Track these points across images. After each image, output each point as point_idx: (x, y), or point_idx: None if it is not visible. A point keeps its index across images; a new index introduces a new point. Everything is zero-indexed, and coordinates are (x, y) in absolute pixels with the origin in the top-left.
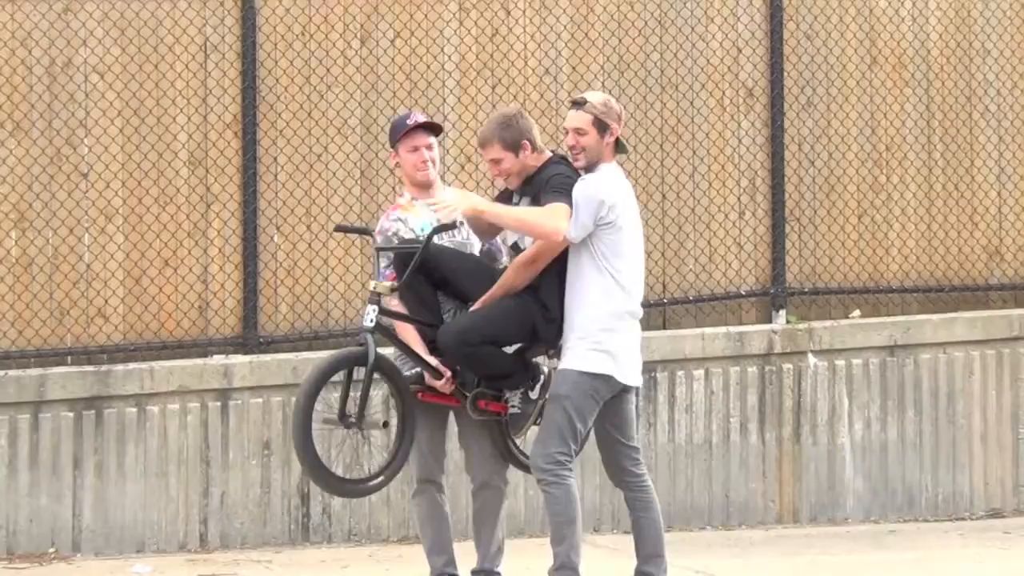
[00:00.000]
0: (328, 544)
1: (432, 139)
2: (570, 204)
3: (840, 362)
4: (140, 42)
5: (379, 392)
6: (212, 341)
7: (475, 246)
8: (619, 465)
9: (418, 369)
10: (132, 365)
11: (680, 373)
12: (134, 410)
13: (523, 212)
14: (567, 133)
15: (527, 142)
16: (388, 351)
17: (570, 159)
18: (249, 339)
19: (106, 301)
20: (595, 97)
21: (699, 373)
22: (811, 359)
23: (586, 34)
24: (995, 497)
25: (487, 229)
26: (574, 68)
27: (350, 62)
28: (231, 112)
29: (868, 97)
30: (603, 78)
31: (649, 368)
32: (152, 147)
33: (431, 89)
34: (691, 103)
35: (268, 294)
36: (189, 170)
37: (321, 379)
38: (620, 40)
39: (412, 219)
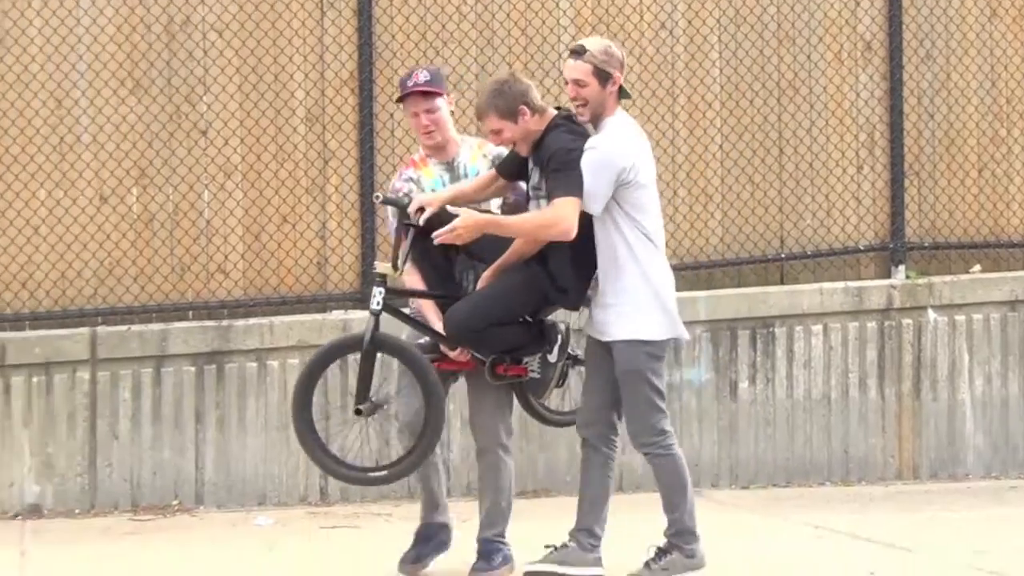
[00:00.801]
0: (450, 497)
1: (435, 101)
2: (577, 186)
3: (960, 317)
4: (257, 0)
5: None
6: (331, 296)
7: (491, 205)
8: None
9: (427, 339)
10: (252, 320)
11: (798, 328)
12: (254, 364)
13: (528, 220)
14: (567, 84)
15: (524, 107)
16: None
17: (574, 113)
18: (367, 294)
19: (226, 257)
20: (594, 45)
21: (817, 328)
22: (931, 314)
23: None
24: None
25: (504, 188)
26: (690, 22)
27: (465, 18)
28: (348, 69)
29: (988, 50)
30: (719, 32)
31: (767, 323)
32: (270, 104)
33: (546, 44)
34: (808, 57)
35: (385, 250)
36: (306, 127)
37: (320, 366)
38: None
39: (424, 179)
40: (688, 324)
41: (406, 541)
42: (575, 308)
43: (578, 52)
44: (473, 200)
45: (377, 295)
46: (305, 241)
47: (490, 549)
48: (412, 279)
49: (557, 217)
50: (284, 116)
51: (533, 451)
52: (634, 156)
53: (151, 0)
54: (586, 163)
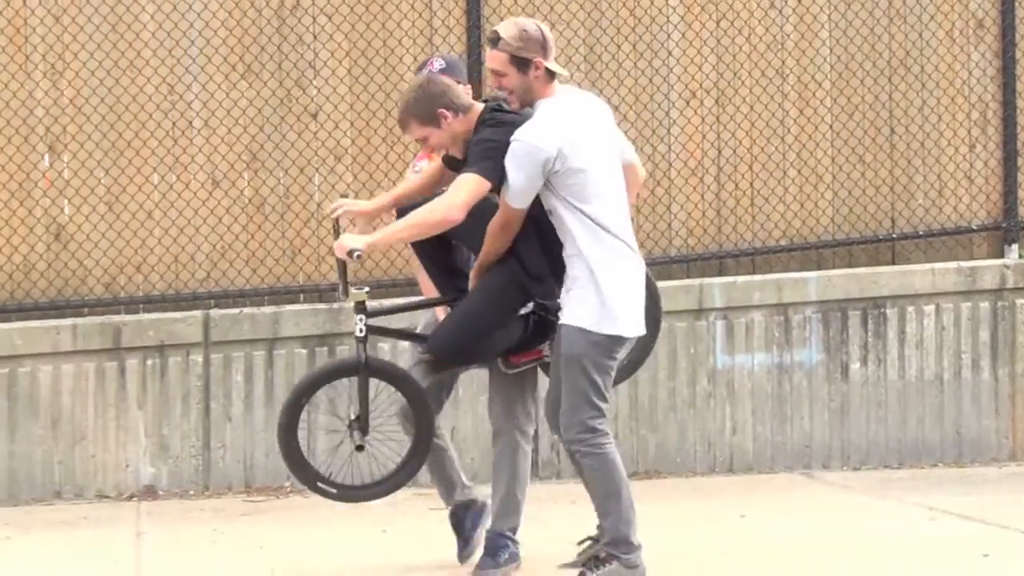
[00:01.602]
0: (557, 479)
1: None
2: (484, 173)
3: None
4: None
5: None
6: None
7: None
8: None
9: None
10: None
11: (910, 309)
12: None
13: (414, 217)
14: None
15: (443, 110)
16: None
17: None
18: None
19: None
20: (508, 31)
21: (929, 309)
22: None
23: None
24: None
25: (448, 179)
26: (799, 1)
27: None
28: (456, 51)
29: None
30: (829, 11)
31: (878, 304)
32: (379, 87)
33: (655, 25)
34: (920, 35)
35: None
36: None
37: (308, 391)
38: None
39: None
40: (798, 305)
41: None
42: (555, 296)
43: (493, 41)
44: (424, 195)
45: (359, 323)
46: None
47: (498, 545)
48: (421, 278)
49: (440, 203)
50: (393, 99)
51: (644, 433)
52: (560, 142)
53: None
54: (509, 157)
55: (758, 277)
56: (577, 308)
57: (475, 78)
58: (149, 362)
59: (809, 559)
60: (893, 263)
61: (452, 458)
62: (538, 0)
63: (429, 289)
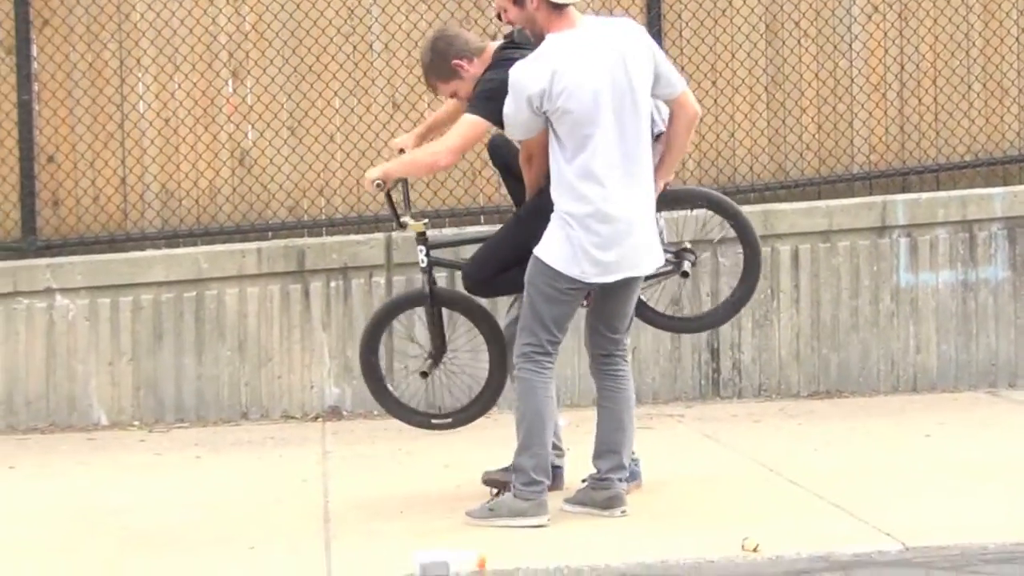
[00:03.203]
0: (738, 399)
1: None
2: (481, 113)
3: None
4: None
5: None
6: None
7: None
8: (594, 352)
9: None
10: None
11: None
12: None
13: (413, 154)
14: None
15: (458, 60)
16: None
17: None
18: None
19: None
20: None
21: None
22: None
23: None
24: None
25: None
26: None
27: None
28: None
29: None
30: None
31: None
32: None
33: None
34: None
35: None
36: None
37: (380, 324)
38: None
39: None
40: (984, 221)
41: (696, 442)
42: None
43: None
44: (451, 123)
45: (420, 253)
46: None
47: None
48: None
49: (438, 144)
50: None
51: (826, 352)
52: (544, 82)
53: None
54: (508, 92)
55: (942, 194)
56: (545, 240)
57: None
58: (332, 284)
59: (999, 476)
60: None
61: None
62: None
63: None
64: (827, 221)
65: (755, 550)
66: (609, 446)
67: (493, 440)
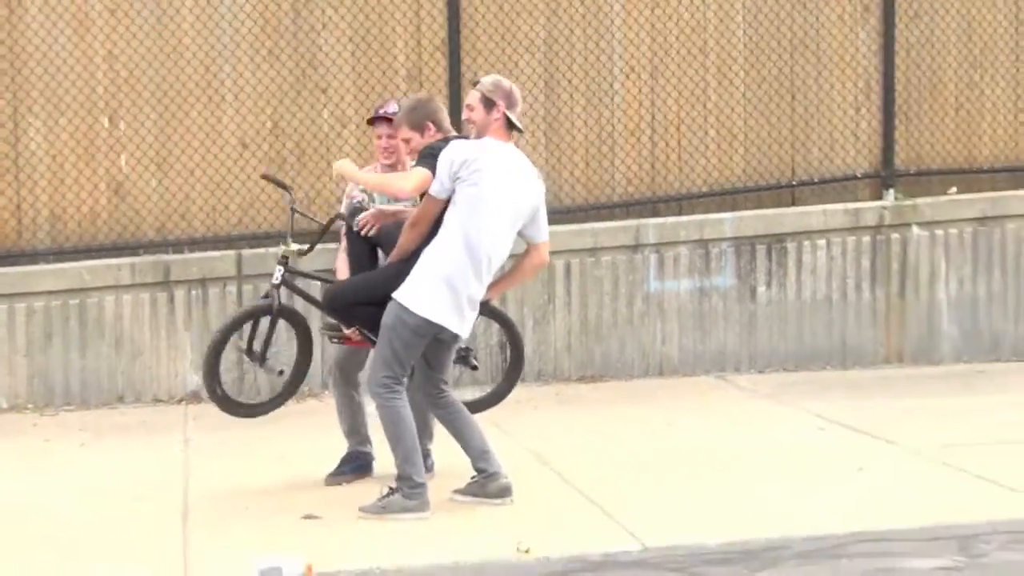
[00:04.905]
0: (522, 383)
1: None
2: (425, 165)
3: (939, 232)
4: None
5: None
6: None
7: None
8: (425, 386)
9: (331, 320)
10: None
11: (806, 243)
12: None
13: (380, 176)
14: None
15: (429, 123)
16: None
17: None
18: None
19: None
20: (486, 79)
21: (822, 242)
22: (915, 230)
23: None
24: None
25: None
26: None
27: None
28: (440, 37)
29: (966, 9)
30: (743, 1)
31: (780, 239)
32: (376, 66)
33: (601, 12)
34: (816, 18)
35: None
36: (407, 84)
37: (230, 329)
38: None
39: None
40: (716, 240)
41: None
42: None
43: (474, 84)
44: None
45: (277, 272)
46: None
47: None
48: (339, 267)
49: (402, 176)
50: (388, 76)
51: (591, 345)
52: (481, 162)
53: None
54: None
55: (684, 218)
56: (411, 286)
57: (454, 58)
58: (193, 292)
59: (726, 468)
60: (793, 205)
61: (364, 417)
62: None
63: (343, 275)
64: (593, 240)
65: (527, 552)
66: (481, 449)
67: (316, 429)
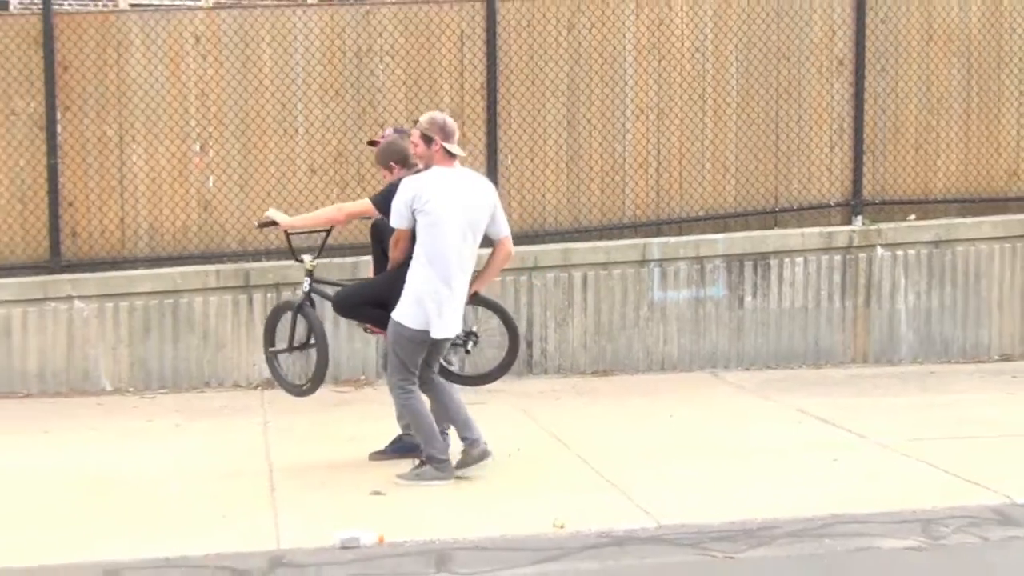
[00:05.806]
0: (545, 375)
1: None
2: (373, 200)
3: (900, 252)
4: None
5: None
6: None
7: None
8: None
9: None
10: None
11: (787, 260)
12: None
13: (314, 213)
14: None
15: (393, 164)
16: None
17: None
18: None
19: None
20: (424, 117)
21: (800, 260)
22: (879, 250)
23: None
24: (1006, 346)
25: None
26: (716, 47)
27: (560, 45)
28: (480, 80)
29: (925, 65)
30: (736, 54)
31: (765, 256)
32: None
33: (615, 62)
34: (798, 70)
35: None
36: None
37: (273, 319)
38: (749, 26)
39: None
40: (711, 257)
41: (513, 416)
42: None
43: (415, 123)
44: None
45: (305, 284)
46: None
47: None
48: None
49: (339, 208)
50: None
51: (604, 343)
52: (431, 192)
53: (345, 34)
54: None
55: (683, 238)
56: (400, 307)
57: (491, 99)
58: (268, 295)
59: (723, 455)
60: (776, 228)
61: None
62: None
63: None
64: (606, 255)
65: (562, 527)
66: (463, 419)
67: (375, 416)
